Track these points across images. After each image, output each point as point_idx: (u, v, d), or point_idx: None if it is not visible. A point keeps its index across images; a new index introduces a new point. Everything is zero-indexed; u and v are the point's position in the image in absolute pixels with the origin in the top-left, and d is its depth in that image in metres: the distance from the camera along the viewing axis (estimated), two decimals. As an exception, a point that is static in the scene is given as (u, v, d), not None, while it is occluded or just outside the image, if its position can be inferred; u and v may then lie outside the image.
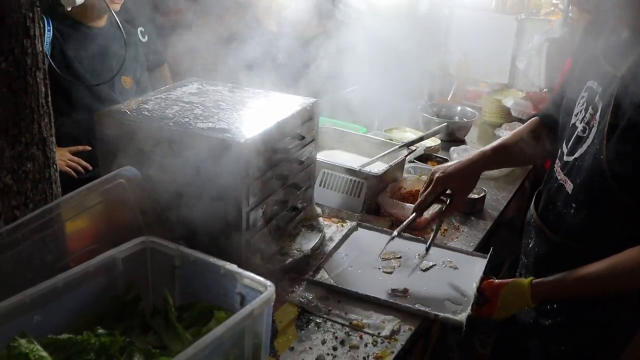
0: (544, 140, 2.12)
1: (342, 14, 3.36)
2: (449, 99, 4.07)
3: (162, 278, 1.52)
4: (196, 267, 1.47)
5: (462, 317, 1.82)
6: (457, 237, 2.41)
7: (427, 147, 3.11)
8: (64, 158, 2.79)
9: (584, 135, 1.81)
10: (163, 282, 1.50)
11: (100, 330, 1.30)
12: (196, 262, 1.47)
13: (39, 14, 1.46)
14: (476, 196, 2.64)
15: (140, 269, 1.52)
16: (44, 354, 1.17)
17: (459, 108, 3.75)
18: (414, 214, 2.13)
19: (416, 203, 2.14)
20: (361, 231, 2.33)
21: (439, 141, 3.23)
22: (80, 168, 2.80)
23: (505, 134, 3.46)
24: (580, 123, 1.84)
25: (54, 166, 1.55)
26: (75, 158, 2.83)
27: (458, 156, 3.05)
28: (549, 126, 2.11)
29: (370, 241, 2.25)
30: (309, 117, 2.12)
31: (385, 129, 3.32)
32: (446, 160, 3.01)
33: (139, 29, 3.24)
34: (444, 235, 2.41)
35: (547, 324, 2.00)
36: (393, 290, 1.96)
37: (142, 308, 1.48)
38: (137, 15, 3.16)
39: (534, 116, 2.24)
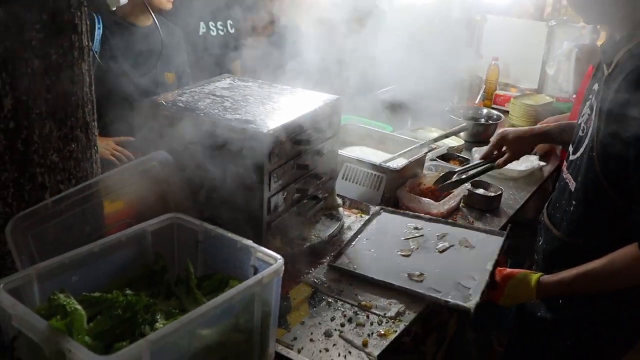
0: None
1: (377, 17, 3.49)
2: (476, 102, 4.17)
3: (187, 251, 1.69)
4: (216, 242, 1.64)
5: (470, 304, 1.92)
6: (471, 232, 2.53)
7: (450, 147, 3.23)
8: (109, 147, 2.97)
9: (583, 134, 1.93)
10: (187, 254, 1.68)
11: (129, 291, 1.47)
12: (216, 237, 1.64)
13: (85, 13, 1.64)
14: (492, 194, 2.76)
15: (167, 242, 1.70)
16: (78, 307, 1.34)
17: (485, 111, 3.86)
18: (481, 161, 2.54)
19: (482, 153, 2.55)
20: (384, 215, 2.48)
21: (463, 141, 3.34)
22: (123, 157, 2.98)
23: None
24: (582, 123, 1.95)
25: (95, 148, 1.74)
26: (119, 147, 3.01)
27: (479, 156, 3.15)
28: None
29: (393, 224, 2.39)
30: (331, 112, 2.27)
31: (412, 128, 3.45)
32: (467, 160, 3.13)
33: (228, 21, 3.47)
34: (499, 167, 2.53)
35: (553, 318, 2.09)
36: (409, 275, 2.08)
37: (168, 278, 1.65)
38: (229, 7, 3.39)
39: None
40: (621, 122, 1.71)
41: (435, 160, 3.03)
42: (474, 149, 3.23)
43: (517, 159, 2.50)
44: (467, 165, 2.58)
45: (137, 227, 1.64)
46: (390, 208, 2.52)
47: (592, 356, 2.10)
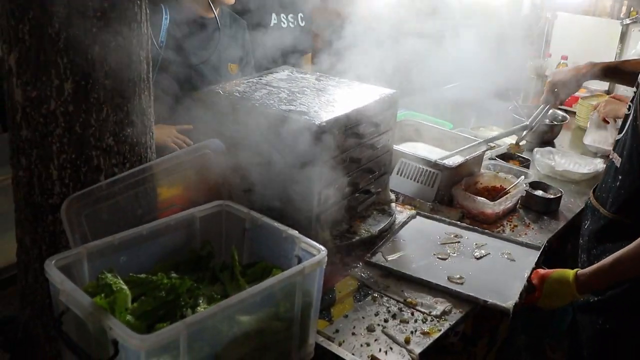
0: None
1: (445, 14, 3.45)
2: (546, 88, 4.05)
3: (234, 238, 1.72)
4: (262, 231, 1.67)
5: (509, 304, 1.90)
6: (525, 234, 2.48)
7: (510, 145, 3.16)
8: (171, 135, 3.03)
9: (629, 112, 1.95)
10: (234, 241, 1.71)
11: (173, 274, 1.51)
12: (263, 226, 1.66)
13: (146, 2, 1.69)
14: (552, 196, 2.69)
15: (215, 228, 1.73)
16: (124, 287, 1.39)
17: (550, 111, 3.75)
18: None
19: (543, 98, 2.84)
20: (419, 219, 2.45)
21: (524, 141, 3.27)
22: (185, 145, 3.04)
23: (586, 138, 3.47)
24: (629, 103, 1.99)
25: (150, 133, 1.78)
26: (181, 136, 3.06)
27: (541, 157, 3.09)
28: None
29: (429, 229, 2.37)
30: (387, 107, 2.26)
31: (473, 126, 3.40)
32: (528, 161, 3.06)
33: (299, 14, 3.52)
34: (512, 231, 2.49)
35: (595, 300, 2.08)
36: (449, 277, 2.06)
37: (213, 264, 1.68)
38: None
39: None
40: None
41: (495, 159, 2.98)
42: (536, 149, 3.16)
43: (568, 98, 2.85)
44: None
45: (187, 213, 1.67)
46: (425, 213, 2.49)
47: (632, 337, 2.04)
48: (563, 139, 3.64)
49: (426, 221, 2.44)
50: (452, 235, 2.33)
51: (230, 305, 1.31)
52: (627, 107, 2.01)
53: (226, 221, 1.74)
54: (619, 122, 2.54)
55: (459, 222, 2.42)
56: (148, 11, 1.71)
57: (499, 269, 2.14)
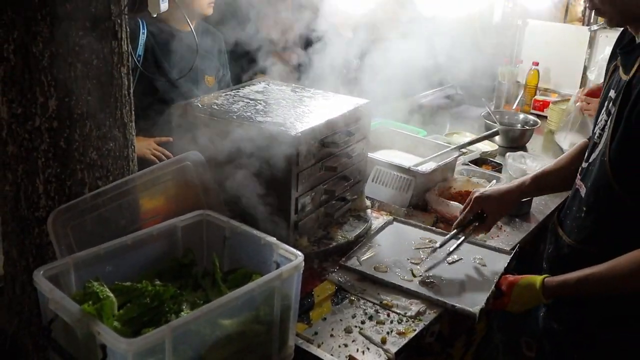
0: None
1: (418, 22, 3.54)
2: (514, 107, 4.18)
3: (215, 246, 1.79)
4: (242, 238, 1.74)
5: (476, 309, 1.97)
6: (497, 236, 2.57)
7: (483, 152, 3.26)
8: (150, 147, 3.07)
9: (598, 141, 1.93)
10: (215, 249, 1.77)
11: (157, 282, 1.58)
12: (242, 234, 1.73)
13: (126, 20, 1.76)
14: (523, 199, 2.78)
15: (196, 237, 1.80)
16: (111, 294, 1.45)
17: (522, 116, 3.87)
18: (454, 231, 2.30)
19: (456, 221, 2.33)
20: (396, 225, 2.52)
21: (496, 146, 3.37)
22: (164, 157, 3.08)
23: (564, 142, 3.58)
24: (597, 130, 1.96)
25: (132, 147, 1.85)
26: (160, 148, 3.11)
27: (513, 161, 3.18)
28: None
29: (404, 234, 2.44)
30: (360, 116, 2.34)
31: (447, 133, 3.50)
32: (500, 165, 3.16)
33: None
34: (485, 234, 2.57)
35: (560, 329, 2.11)
36: (421, 282, 2.13)
37: (195, 271, 1.75)
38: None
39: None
40: None
41: (468, 164, 3.07)
42: (508, 154, 3.25)
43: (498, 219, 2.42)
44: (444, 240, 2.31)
45: (168, 222, 1.74)
46: (401, 219, 2.56)
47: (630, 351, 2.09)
48: (535, 143, 3.75)
49: (402, 226, 2.51)
50: (427, 240, 2.40)
51: (213, 309, 1.38)
52: (598, 134, 1.94)
53: (207, 230, 1.80)
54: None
55: (434, 228, 2.50)
56: (128, 29, 1.78)
57: (471, 274, 2.21)
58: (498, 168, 3.13)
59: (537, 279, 1.98)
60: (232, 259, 1.78)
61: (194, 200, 1.94)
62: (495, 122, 3.64)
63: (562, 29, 4.48)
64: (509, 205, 2.35)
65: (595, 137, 1.97)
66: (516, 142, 3.59)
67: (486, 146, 3.33)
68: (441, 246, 2.26)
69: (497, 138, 3.47)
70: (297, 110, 2.20)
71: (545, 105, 4.20)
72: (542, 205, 2.90)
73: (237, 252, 1.77)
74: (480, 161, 3.19)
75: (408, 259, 2.26)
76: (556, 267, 2.06)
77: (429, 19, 3.66)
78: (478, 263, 2.28)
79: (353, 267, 2.18)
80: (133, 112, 1.86)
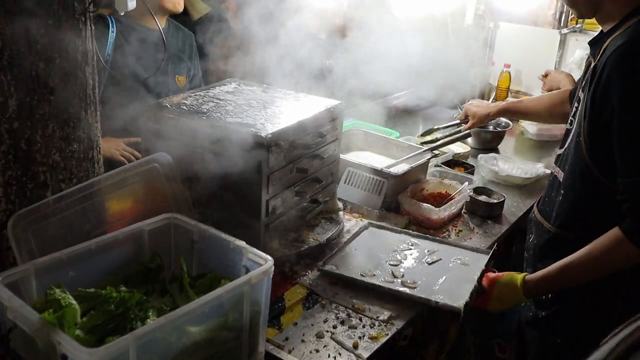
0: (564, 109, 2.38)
1: (390, 24, 3.53)
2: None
3: (182, 250, 1.74)
4: (210, 242, 1.69)
5: (460, 304, 1.95)
6: (470, 238, 2.56)
7: (455, 153, 3.26)
8: (119, 148, 3.03)
9: (571, 127, 2.00)
10: (183, 253, 1.73)
11: (123, 288, 1.53)
12: (211, 238, 1.69)
13: (90, 18, 1.71)
14: (495, 201, 2.78)
15: (164, 241, 1.75)
16: (73, 301, 1.40)
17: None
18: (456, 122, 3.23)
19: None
20: (372, 230, 2.50)
21: (469, 148, 3.37)
22: (133, 158, 3.03)
23: (530, 128, 3.65)
24: (570, 117, 2.04)
25: (97, 148, 1.80)
26: (129, 148, 3.06)
27: (485, 163, 3.18)
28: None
29: (380, 238, 2.41)
30: (332, 117, 2.31)
31: (419, 134, 3.48)
32: (472, 167, 3.15)
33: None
34: (457, 236, 2.56)
35: (543, 315, 2.13)
36: (403, 282, 2.11)
37: (163, 276, 1.70)
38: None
39: None
40: (606, 98, 1.79)
41: (440, 166, 3.06)
42: (480, 155, 3.25)
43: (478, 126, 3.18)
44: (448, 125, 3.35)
45: (135, 226, 1.69)
46: (377, 223, 2.54)
47: (581, 351, 2.10)
48: (507, 145, 3.76)
49: (378, 231, 2.48)
50: (404, 243, 2.38)
51: (179, 316, 1.34)
52: (569, 122, 2.04)
53: (174, 233, 1.76)
54: None
55: (410, 231, 2.47)
56: (93, 27, 1.73)
57: (452, 273, 2.19)
58: (470, 170, 3.12)
59: (518, 276, 1.99)
60: (200, 263, 1.74)
61: (162, 203, 1.89)
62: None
63: (533, 31, 4.51)
64: (485, 117, 3.14)
65: (568, 124, 2.05)
66: (488, 144, 3.59)
67: (458, 148, 3.33)
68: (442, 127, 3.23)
69: (469, 140, 3.47)
70: (268, 111, 2.17)
71: (517, 107, 4.20)
72: (514, 207, 2.91)
73: (205, 256, 1.73)
74: (453, 163, 3.18)
75: (387, 262, 2.23)
76: (539, 254, 2.10)
77: (401, 21, 3.66)
78: (460, 263, 2.26)
79: (332, 272, 2.14)
80: (98, 113, 1.81)
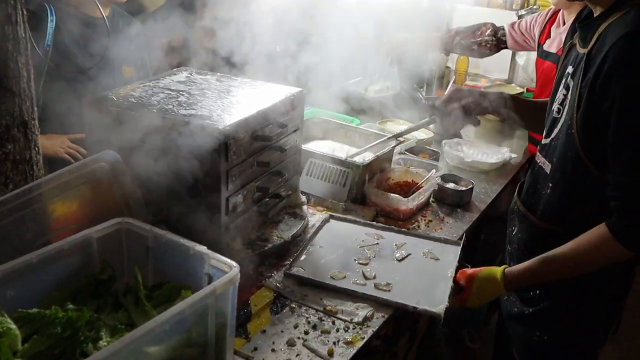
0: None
1: (343, 8, 3.39)
2: (446, 93, 4.08)
3: (137, 258, 1.57)
4: (168, 248, 1.53)
5: (440, 308, 1.85)
6: (441, 229, 2.45)
7: (419, 140, 3.14)
8: (63, 145, 2.85)
9: (559, 116, 1.89)
10: (137, 262, 1.55)
11: (70, 306, 1.35)
12: (168, 243, 1.52)
13: (22, 2, 1.51)
14: (463, 188, 2.68)
15: (115, 249, 1.57)
16: (12, 326, 1.22)
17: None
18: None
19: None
20: (334, 223, 2.37)
21: (432, 134, 3.26)
22: (78, 155, 2.85)
23: None
24: (556, 105, 1.92)
25: (36, 148, 1.61)
26: (74, 145, 2.88)
27: (450, 149, 3.08)
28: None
29: (344, 232, 2.28)
30: (293, 106, 2.16)
31: (380, 121, 3.36)
32: (437, 153, 3.05)
33: None
34: (427, 226, 2.45)
35: (530, 312, 2.04)
36: (376, 285, 1.98)
37: (115, 287, 1.53)
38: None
39: None
40: (607, 91, 1.68)
41: (405, 153, 2.94)
42: (444, 141, 3.15)
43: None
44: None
45: (81, 234, 1.51)
46: (339, 215, 2.41)
47: (568, 348, 2.04)
48: (468, 129, 3.65)
49: (340, 224, 2.36)
50: (369, 237, 2.25)
51: (135, 339, 1.18)
52: (556, 109, 1.92)
53: (127, 240, 1.58)
54: None
55: (374, 223, 2.35)
56: (25, 12, 1.54)
57: (424, 270, 2.09)
58: (435, 156, 3.02)
59: (497, 270, 1.90)
60: (157, 271, 1.57)
61: (112, 206, 1.72)
62: (429, 110, 3.52)
63: (489, 13, 4.42)
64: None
65: (554, 112, 1.93)
66: (451, 129, 3.48)
67: (421, 134, 3.22)
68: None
69: (432, 125, 3.36)
70: (225, 101, 2.00)
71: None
72: (483, 194, 2.82)
73: (162, 264, 1.56)
74: (417, 150, 3.07)
75: (355, 260, 2.11)
76: (524, 248, 2.02)
77: (356, 4, 3.53)
78: (430, 258, 2.15)
79: (299, 275, 2.00)
80: (36, 108, 1.62)
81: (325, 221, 2.35)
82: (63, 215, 1.66)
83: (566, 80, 1.89)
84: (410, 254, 2.17)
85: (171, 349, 1.30)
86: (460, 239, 2.29)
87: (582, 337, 2.03)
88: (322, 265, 2.07)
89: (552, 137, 1.94)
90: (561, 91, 1.91)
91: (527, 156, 3.31)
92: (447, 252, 2.19)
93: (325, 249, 2.17)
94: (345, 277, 2.01)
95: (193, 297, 1.30)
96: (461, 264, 2.05)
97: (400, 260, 2.13)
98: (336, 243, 2.20)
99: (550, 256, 1.81)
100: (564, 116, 1.86)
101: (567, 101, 1.85)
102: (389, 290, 1.96)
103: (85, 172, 1.69)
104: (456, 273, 2.00)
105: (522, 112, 2.33)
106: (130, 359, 1.21)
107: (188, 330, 1.33)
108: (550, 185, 1.93)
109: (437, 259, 2.16)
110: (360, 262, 2.10)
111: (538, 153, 2.03)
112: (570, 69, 1.88)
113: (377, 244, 2.23)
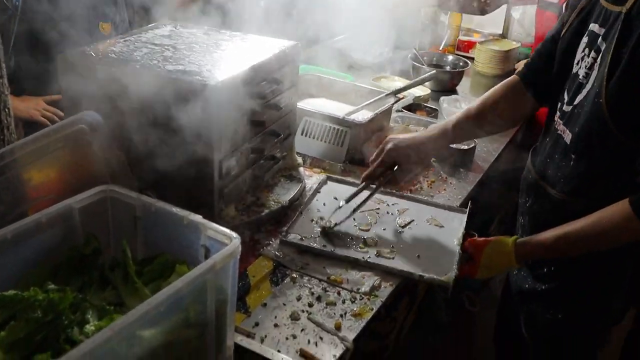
0: (525, 104, 2.02)
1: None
2: (440, 48, 3.92)
3: (124, 230, 1.42)
4: (158, 218, 1.38)
5: (449, 277, 1.73)
6: (444, 190, 2.32)
7: (416, 97, 2.99)
8: (38, 107, 2.71)
9: (585, 81, 1.71)
10: (125, 234, 1.41)
11: (51, 286, 1.21)
12: (158, 213, 1.37)
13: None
14: (465, 147, 2.54)
15: (100, 219, 1.42)
16: (-14, 311, 1.08)
17: (450, 57, 3.62)
18: (362, 184, 2.05)
19: (364, 173, 2.06)
20: (331, 185, 2.23)
21: (429, 90, 3.11)
22: (56, 118, 2.70)
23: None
24: (582, 69, 1.73)
25: (6, 110, 1.45)
26: (51, 108, 2.73)
27: (448, 106, 2.94)
28: (531, 86, 1.99)
29: (343, 196, 2.12)
30: (288, 61, 2.00)
31: (374, 77, 3.20)
32: (435, 111, 2.90)
33: None
34: (430, 188, 2.32)
35: (542, 289, 1.92)
36: (378, 252, 1.86)
37: (102, 261, 1.38)
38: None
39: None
40: None
41: (402, 111, 2.79)
42: (442, 98, 3.01)
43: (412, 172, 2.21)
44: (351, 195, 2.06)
45: (62, 205, 1.35)
46: (336, 177, 2.27)
47: (581, 328, 1.93)
48: (463, 85, 3.52)
49: (338, 186, 2.21)
50: (370, 201, 2.10)
51: (129, 324, 1.03)
52: (584, 74, 1.73)
53: (112, 209, 1.43)
54: None
55: (374, 186, 2.21)
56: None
57: (428, 237, 1.97)
58: (434, 114, 2.88)
59: (508, 241, 1.77)
60: (147, 243, 1.42)
61: (94, 173, 1.55)
62: (423, 65, 3.38)
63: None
64: (426, 157, 2.14)
65: (580, 77, 1.74)
66: (447, 85, 3.34)
67: (418, 91, 3.06)
68: (347, 202, 2.01)
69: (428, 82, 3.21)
70: (214, 56, 1.84)
71: (470, 45, 3.98)
72: (485, 153, 2.68)
73: (153, 235, 1.41)
74: (414, 107, 2.92)
75: (355, 226, 1.97)
76: (540, 222, 1.84)
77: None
78: (433, 224, 2.03)
79: (296, 243, 1.86)
80: (4, 66, 1.45)
81: (323, 183, 2.21)
82: (40, 183, 1.50)
83: (594, 40, 1.70)
84: (413, 220, 2.04)
85: (167, 331, 1.16)
86: (466, 205, 2.15)
87: (599, 315, 1.91)
88: (321, 232, 1.93)
89: (575, 103, 1.76)
90: (588, 54, 1.72)
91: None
92: (452, 220, 2.06)
93: (323, 214, 2.02)
94: (342, 243, 1.88)
95: (190, 274, 1.16)
96: (467, 232, 1.92)
97: (402, 227, 2.00)
98: (334, 206, 2.05)
99: (567, 231, 1.68)
100: (591, 83, 1.68)
101: (597, 67, 1.66)
102: (393, 258, 1.84)
103: (63, 135, 1.52)
104: (463, 241, 1.87)
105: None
106: (123, 345, 1.06)
107: (185, 310, 1.19)
108: (573, 157, 1.76)
109: (442, 226, 2.03)
110: (361, 227, 1.97)
111: (557, 119, 1.85)
112: (597, 29, 1.69)
113: (378, 209, 2.09)
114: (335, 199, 2.11)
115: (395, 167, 2.02)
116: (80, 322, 1.14)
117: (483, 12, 3.44)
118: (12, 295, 1.13)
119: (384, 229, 1.98)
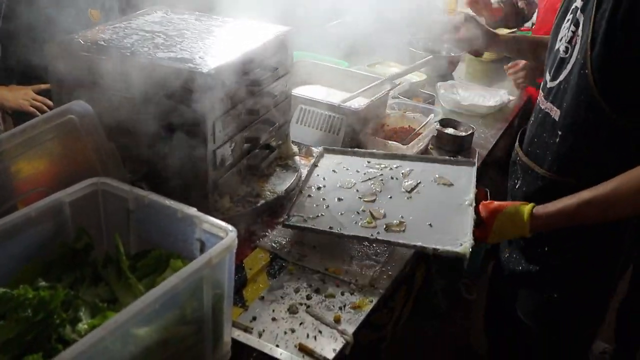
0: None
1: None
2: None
3: (116, 223, 1.38)
4: (152, 211, 1.33)
5: (465, 248, 1.64)
6: (443, 177, 2.28)
7: (412, 82, 2.95)
8: (27, 97, 2.66)
9: (567, 55, 1.70)
10: (117, 228, 1.36)
11: (42, 283, 1.17)
12: (151, 205, 1.33)
13: None
14: (463, 133, 2.50)
15: (91, 213, 1.38)
16: (-26, 310, 1.04)
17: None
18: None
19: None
20: (329, 157, 2.17)
21: (425, 76, 3.06)
22: (45, 108, 2.65)
23: None
24: (562, 44, 1.73)
25: (-7, 100, 1.39)
26: (40, 97, 2.68)
27: (445, 92, 2.90)
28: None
29: (343, 167, 2.09)
30: (282, 47, 1.95)
31: (369, 63, 3.15)
32: (432, 97, 2.86)
33: None
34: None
35: (537, 270, 1.89)
36: (387, 226, 1.78)
37: (94, 257, 1.34)
38: None
39: None
40: (631, 26, 1.50)
41: (399, 97, 2.74)
42: (439, 83, 2.96)
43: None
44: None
45: (52, 198, 1.31)
46: (333, 147, 2.21)
47: (575, 308, 1.90)
48: (460, 70, 3.48)
49: (337, 157, 2.15)
50: (372, 168, 2.05)
51: (122, 322, 0.99)
52: (564, 48, 1.73)
53: (104, 203, 1.38)
54: None
55: (374, 151, 2.15)
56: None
57: (438, 200, 1.89)
58: (431, 100, 2.83)
59: (525, 209, 1.69)
60: (140, 238, 1.38)
61: (85, 165, 1.51)
62: (420, 50, 3.33)
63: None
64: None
65: (561, 52, 1.74)
66: (444, 70, 3.29)
67: (414, 76, 3.01)
68: None
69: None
70: (207, 42, 1.79)
71: (467, 30, 3.91)
72: (482, 140, 2.65)
73: (146, 228, 1.36)
74: (410, 93, 2.87)
75: (360, 197, 1.91)
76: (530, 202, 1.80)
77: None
78: (442, 184, 1.97)
79: (299, 226, 1.79)
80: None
81: (320, 156, 2.16)
82: (29, 176, 1.46)
83: (574, 15, 1.70)
84: (420, 182, 1.97)
85: (163, 328, 1.12)
86: (472, 164, 2.09)
87: (595, 291, 1.89)
88: (325, 210, 1.87)
89: (560, 79, 1.75)
90: (568, 28, 1.72)
91: (525, 98, 3.13)
92: (461, 176, 1.99)
93: (325, 190, 1.96)
94: (347, 220, 1.81)
95: (186, 270, 1.12)
96: (479, 189, 1.87)
97: (409, 192, 1.94)
98: (336, 181, 2.00)
99: (588, 198, 1.61)
100: (574, 55, 1.67)
101: (578, 38, 1.66)
102: (403, 231, 1.76)
103: (52, 125, 1.48)
104: (476, 200, 1.82)
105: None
106: (117, 344, 1.03)
107: (181, 306, 1.15)
108: (560, 133, 1.75)
109: (451, 184, 1.96)
110: (366, 199, 1.91)
111: (542, 98, 1.84)
112: (578, 2, 1.69)
113: (382, 175, 2.03)
114: (334, 172, 2.07)
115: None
116: (73, 320, 1.11)
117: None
118: (1, 293, 1.09)
119: (390, 197, 1.91)
